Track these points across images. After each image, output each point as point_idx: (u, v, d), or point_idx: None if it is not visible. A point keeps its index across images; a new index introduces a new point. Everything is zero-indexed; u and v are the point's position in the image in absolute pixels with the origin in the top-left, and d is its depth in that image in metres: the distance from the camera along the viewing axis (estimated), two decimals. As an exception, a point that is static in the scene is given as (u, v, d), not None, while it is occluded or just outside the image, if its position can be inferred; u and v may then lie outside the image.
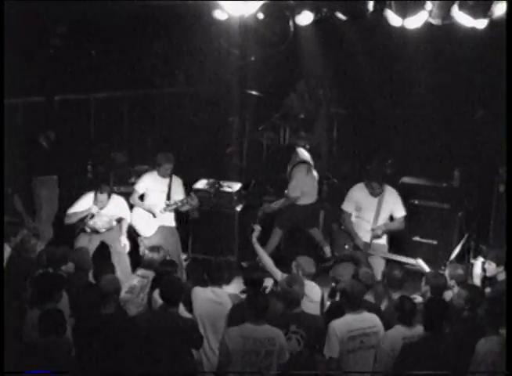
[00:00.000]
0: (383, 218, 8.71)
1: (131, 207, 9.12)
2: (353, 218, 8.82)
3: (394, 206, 8.73)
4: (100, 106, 10.77)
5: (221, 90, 11.54)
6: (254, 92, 11.39)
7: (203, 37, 10.61)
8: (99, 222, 8.69)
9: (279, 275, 7.32)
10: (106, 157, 10.52)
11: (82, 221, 8.66)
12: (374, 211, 8.71)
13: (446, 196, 9.85)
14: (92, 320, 6.28)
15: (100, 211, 8.66)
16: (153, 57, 11.14)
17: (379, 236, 8.68)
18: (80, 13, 9.39)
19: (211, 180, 10.09)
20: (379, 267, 8.56)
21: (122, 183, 9.96)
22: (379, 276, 8.26)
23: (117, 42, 10.38)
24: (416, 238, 9.60)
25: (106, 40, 10.31)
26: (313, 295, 7.01)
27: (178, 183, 9.18)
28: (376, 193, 8.66)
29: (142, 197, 9.19)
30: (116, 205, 8.85)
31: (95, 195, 8.68)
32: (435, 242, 9.72)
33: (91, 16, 9.60)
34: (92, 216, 8.67)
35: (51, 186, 9.85)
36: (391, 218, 8.78)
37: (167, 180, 9.08)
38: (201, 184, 10.09)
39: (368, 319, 6.34)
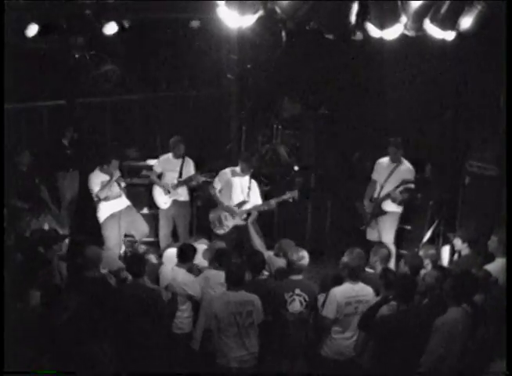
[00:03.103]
0: (392, 183, 9.48)
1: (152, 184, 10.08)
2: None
3: (404, 177, 9.49)
4: (115, 109, 11.33)
5: (221, 93, 12.08)
6: (250, 96, 11.96)
7: (206, 47, 11.30)
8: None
9: (265, 254, 8.02)
10: (120, 153, 10.81)
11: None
12: (386, 175, 9.55)
13: (419, 186, 10.09)
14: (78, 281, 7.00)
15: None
16: (161, 64, 11.60)
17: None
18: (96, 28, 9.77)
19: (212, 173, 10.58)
20: (385, 228, 9.56)
21: (134, 175, 10.57)
22: (385, 237, 9.22)
23: (129, 52, 10.95)
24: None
25: (120, 50, 10.82)
26: None
27: (189, 164, 10.10)
28: (394, 158, 9.54)
29: (160, 176, 10.08)
30: None
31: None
32: (409, 227, 10.35)
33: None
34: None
35: (73, 179, 10.49)
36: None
37: (179, 161, 10.02)
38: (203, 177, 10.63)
39: (363, 289, 7.03)
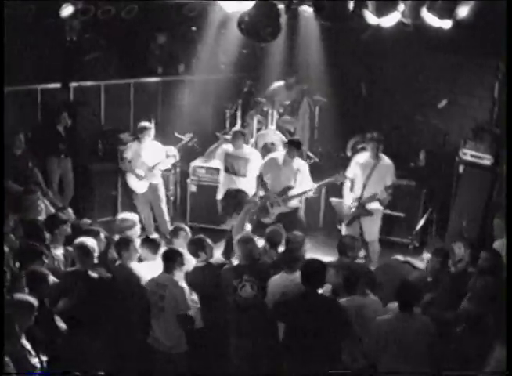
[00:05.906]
0: (374, 181, 9.23)
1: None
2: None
3: (385, 174, 9.25)
4: (109, 92, 11.29)
5: (216, 79, 12.09)
6: (245, 81, 11.91)
7: (202, 32, 11.36)
8: None
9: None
10: (114, 137, 11.11)
11: None
12: (367, 173, 9.25)
13: (413, 174, 10.44)
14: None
15: None
16: (156, 49, 11.63)
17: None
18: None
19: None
20: (370, 227, 9.43)
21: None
22: (369, 236, 9.26)
23: (125, 36, 10.93)
24: (387, 211, 9.92)
25: (115, 34, 10.86)
26: None
27: (158, 147, 10.25)
28: (374, 154, 9.26)
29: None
30: None
31: None
32: (403, 214, 10.45)
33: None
34: None
35: (65, 166, 10.49)
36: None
37: (148, 145, 10.16)
38: (198, 162, 11.01)
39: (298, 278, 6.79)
